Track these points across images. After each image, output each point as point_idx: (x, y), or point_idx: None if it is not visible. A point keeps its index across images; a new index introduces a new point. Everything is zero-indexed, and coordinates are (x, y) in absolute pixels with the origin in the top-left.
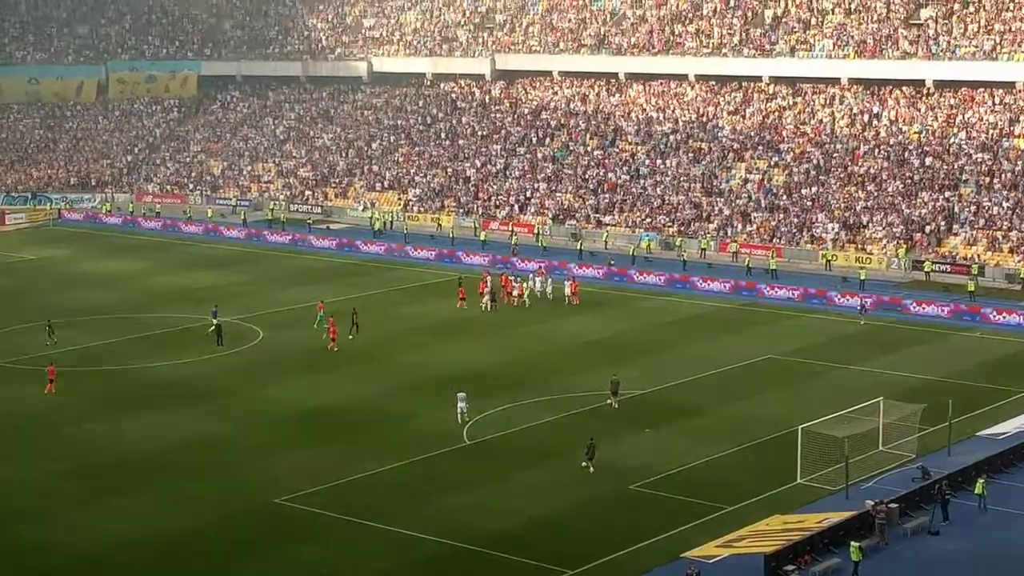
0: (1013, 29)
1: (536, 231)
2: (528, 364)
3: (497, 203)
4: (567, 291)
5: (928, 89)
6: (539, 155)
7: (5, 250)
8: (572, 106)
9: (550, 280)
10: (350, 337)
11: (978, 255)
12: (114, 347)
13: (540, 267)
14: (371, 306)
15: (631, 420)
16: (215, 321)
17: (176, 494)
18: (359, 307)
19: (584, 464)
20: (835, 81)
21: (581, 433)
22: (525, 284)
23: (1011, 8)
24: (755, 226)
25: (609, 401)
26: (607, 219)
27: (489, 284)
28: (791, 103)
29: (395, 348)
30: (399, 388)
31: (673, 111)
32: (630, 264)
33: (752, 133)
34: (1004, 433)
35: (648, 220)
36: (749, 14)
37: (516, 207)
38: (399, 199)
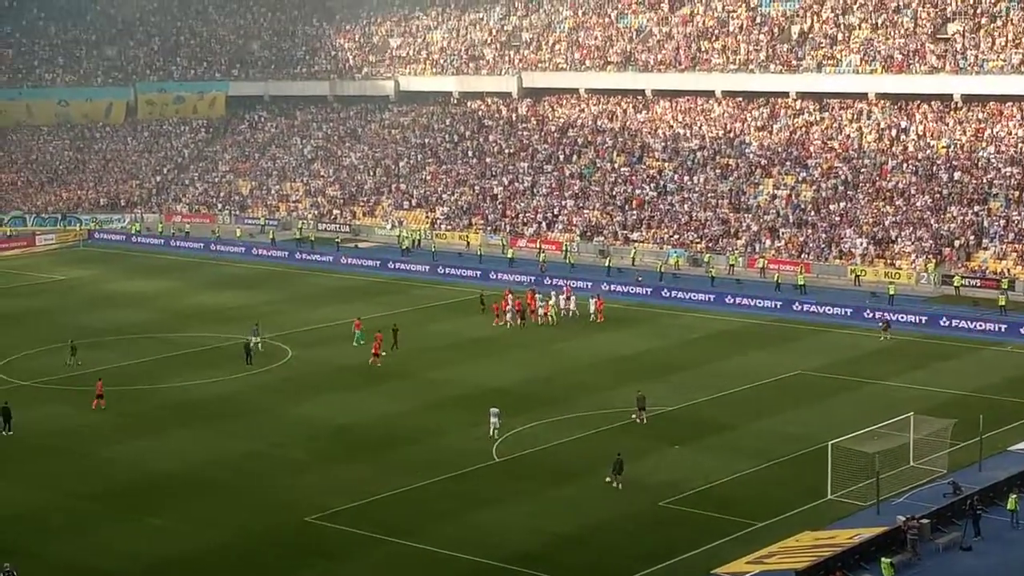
0: None
1: (564, 248)
2: (557, 381)
3: (525, 220)
4: (591, 309)
5: (956, 103)
6: (566, 172)
7: (35, 271)
8: (599, 123)
9: (574, 298)
10: (384, 353)
11: (1008, 269)
12: (145, 366)
13: (566, 284)
14: (400, 324)
15: (660, 436)
16: (255, 339)
17: (207, 513)
18: (398, 323)
19: (608, 479)
20: (862, 96)
21: (610, 450)
22: (550, 302)
23: None
24: (783, 242)
25: (634, 416)
26: (635, 236)
27: (510, 302)
28: (818, 118)
29: (425, 365)
30: (428, 405)
31: (700, 127)
32: (658, 280)
33: (779, 149)
34: None
35: (676, 236)
36: (776, 30)
37: (544, 224)
38: (427, 217)
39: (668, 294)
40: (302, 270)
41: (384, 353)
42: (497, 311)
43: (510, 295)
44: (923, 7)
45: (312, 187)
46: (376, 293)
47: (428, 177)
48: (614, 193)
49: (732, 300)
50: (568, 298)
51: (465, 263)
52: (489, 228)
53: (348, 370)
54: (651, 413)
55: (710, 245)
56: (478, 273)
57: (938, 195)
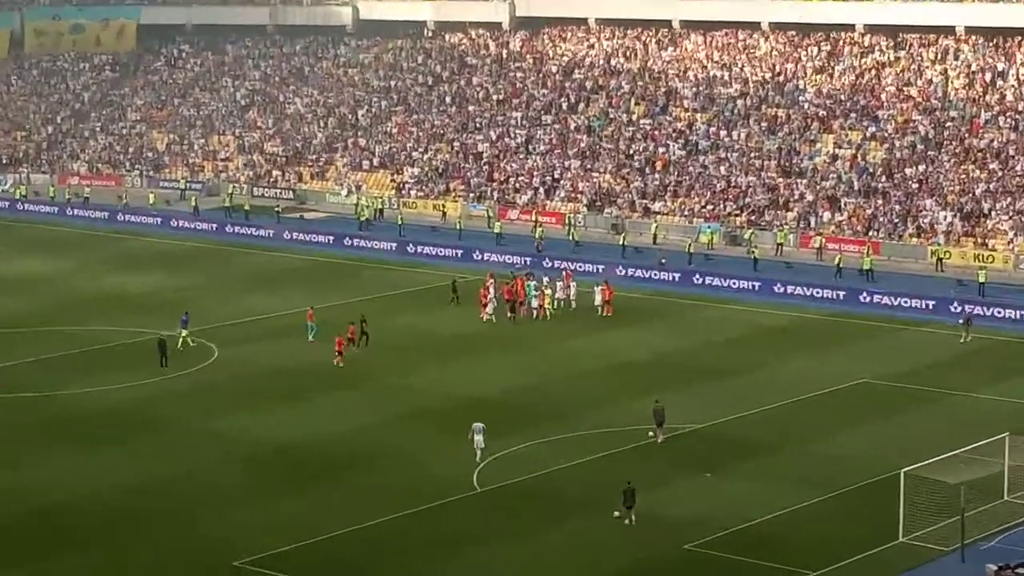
0: None
1: (567, 222)
2: (555, 391)
3: (517, 186)
4: (597, 299)
5: None
6: (571, 125)
7: None
8: (613, 63)
9: (574, 285)
10: (355, 348)
11: None
12: (30, 369)
13: (565, 269)
14: (353, 318)
15: (686, 461)
16: (184, 332)
17: (110, 557)
18: (355, 314)
19: (618, 514)
20: (949, 31)
21: (620, 478)
22: (547, 291)
23: None
24: (846, 215)
25: (651, 434)
26: (657, 206)
27: (492, 289)
28: (892, 58)
29: (388, 369)
30: (392, 420)
31: (742, 69)
32: (686, 263)
33: (842, 97)
34: None
35: (710, 208)
36: None
37: (541, 192)
38: (392, 181)
39: (699, 280)
40: (233, 247)
41: (355, 348)
42: (484, 301)
43: (492, 281)
44: None
45: (246, 142)
46: (327, 277)
47: (394, 130)
48: (631, 152)
49: (780, 289)
50: (568, 285)
51: (441, 240)
52: (472, 196)
53: (291, 374)
54: (673, 431)
55: (753, 219)
56: (457, 253)
57: None
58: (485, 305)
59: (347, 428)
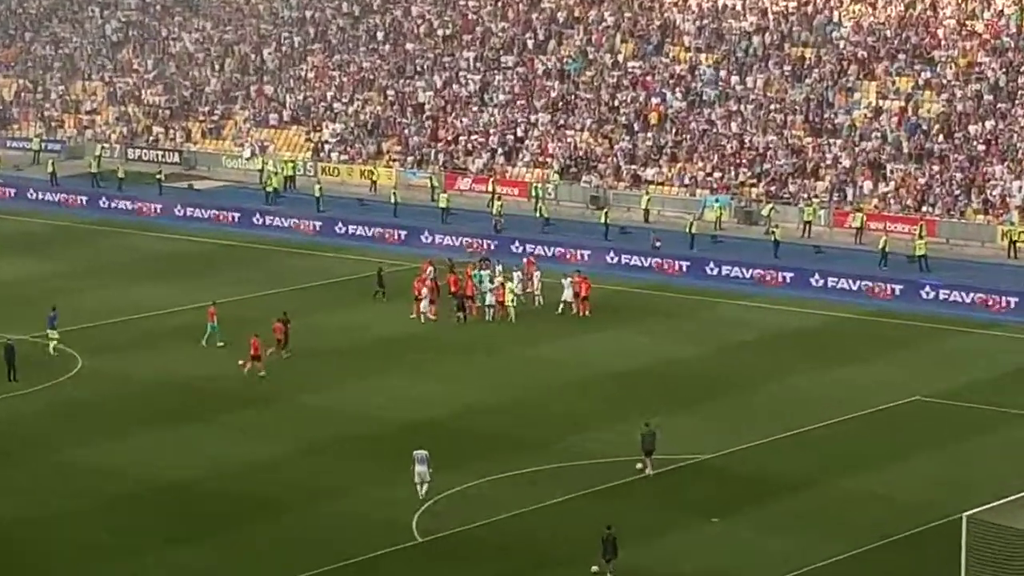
0: None
1: (533, 193)
2: (516, 411)
3: (469, 148)
4: (567, 293)
5: None
6: (538, 68)
7: None
8: None
9: (538, 274)
10: (285, 355)
11: None
12: None
13: (528, 256)
14: (267, 315)
15: (685, 502)
16: (53, 336)
17: None
18: (268, 310)
19: (596, 569)
20: None
21: (600, 524)
22: (509, 284)
23: None
24: (892, 185)
25: (640, 466)
26: (649, 174)
27: (429, 280)
28: None
29: (303, 383)
30: (309, 449)
31: None
32: (687, 247)
33: (888, 33)
34: None
35: (717, 176)
36: None
37: (500, 154)
38: (308, 141)
39: (704, 269)
40: (101, 227)
41: (285, 355)
42: (419, 295)
43: (431, 270)
44: None
45: (119, 89)
46: (225, 264)
47: (310, 75)
48: (616, 104)
49: (813, 279)
50: (530, 276)
51: (371, 216)
52: (410, 160)
53: (180, 389)
54: (669, 462)
55: (773, 190)
56: (392, 234)
57: None
58: (419, 300)
59: (249, 460)
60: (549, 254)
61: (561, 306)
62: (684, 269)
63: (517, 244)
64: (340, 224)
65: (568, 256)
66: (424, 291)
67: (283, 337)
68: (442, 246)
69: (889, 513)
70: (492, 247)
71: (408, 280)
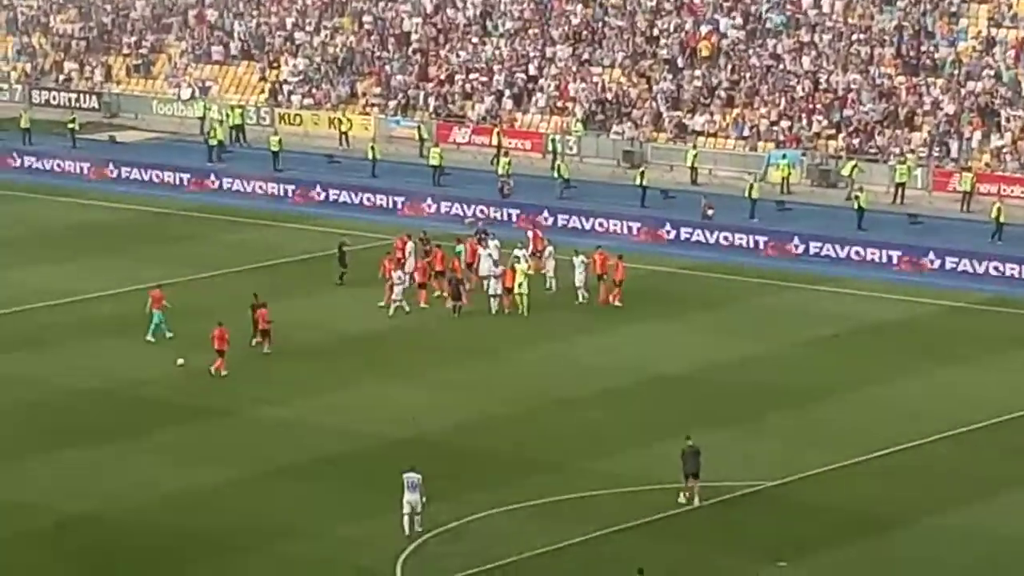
0: None
1: (550, 147)
2: (529, 428)
3: (469, 89)
4: (578, 276)
5: None
6: None
7: None
8: None
9: (550, 250)
10: (266, 350)
11: None
12: None
13: (530, 229)
14: (210, 302)
15: (743, 541)
16: None
17: None
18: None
19: None
20: None
21: (629, 568)
22: (519, 265)
23: None
24: (1009, 138)
25: (683, 497)
26: (698, 123)
27: (408, 256)
28: None
29: (264, 390)
30: (266, 472)
31: None
32: (747, 216)
33: None
34: None
35: (785, 126)
36: None
37: (507, 98)
38: (263, 81)
39: (767, 245)
40: (2, 189)
41: (266, 349)
42: (389, 278)
43: (408, 244)
44: None
45: (19, 15)
46: (155, 239)
47: None
48: (655, 33)
49: (907, 258)
50: (538, 252)
51: (342, 176)
52: (393, 105)
53: (100, 399)
54: (721, 490)
55: (857, 144)
56: (370, 199)
57: None
58: (391, 286)
59: (189, 488)
60: (569, 225)
61: (579, 294)
62: (742, 244)
63: (528, 213)
64: (303, 187)
65: (595, 227)
66: (398, 274)
67: (265, 325)
68: (425, 217)
69: (1005, 552)
70: (501, 218)
71: (374, 259)
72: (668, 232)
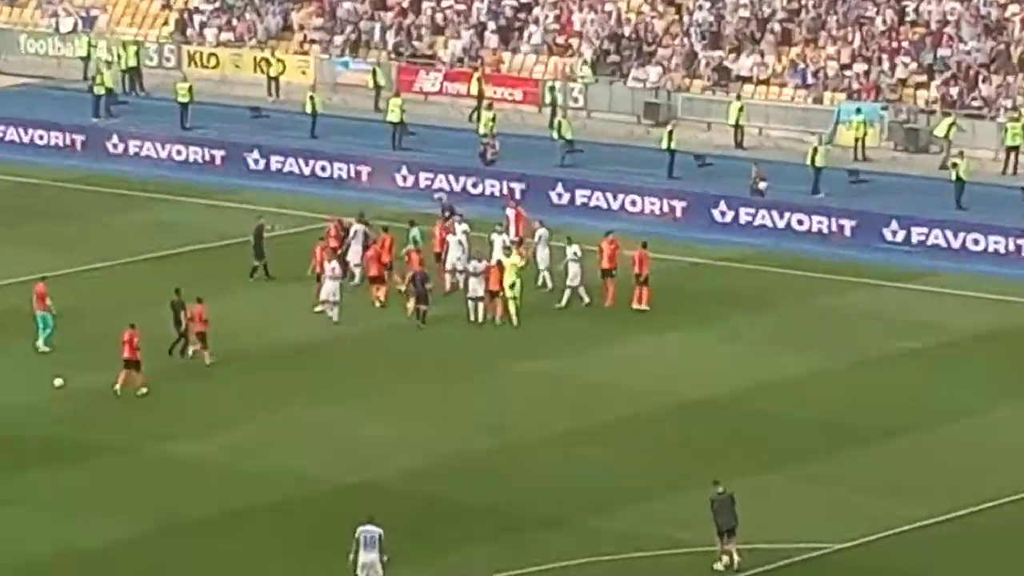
0: None
1: (547, 98)
2: (517, 469)
3: (440, 21)
4: (572, 274)
5: None
6: None
7: None
8: None
9: (543, 234)
10: (208, 361)
11: None
12: None
13: (510, 203)
14: (97, 301)
15: None
16: None
17: None
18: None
19: None
20: None
21: None
22: (509, 261)
23: None
24: None
25: (722, 563)
26: (744, 66)
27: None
28: None
29: (173, 420)
30: (177, 527)
31: None
32: (809, 189)
33: None
34: None
35: (860, 70)
36: None
37: (491, 32)
38: (166, 9)
39: (838, 228)
40: None
41: (210, 359)
42: (320, 271)
43: (355, 227)
44: None
45: None
46: (22, 217)
47: None
48: None
49: (1016, 248)
50: (522, 238)
51: (271, 136)
52: (339, 41)
53: None
54: (770, 554)
55: (955, 95)
56: (314, 168)
57: None
58: (321, 282)
59: (74, 546)
60: (569, 202)
61: (579, 294)
62: (801, 228)
63: (517, 184)
64: (220, 150)
65: (606, 204)
66: (332, 265)
67: (200, 323)
68: (381, 192)
69: None
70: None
71: (303, 249)
72: (703, 211)
